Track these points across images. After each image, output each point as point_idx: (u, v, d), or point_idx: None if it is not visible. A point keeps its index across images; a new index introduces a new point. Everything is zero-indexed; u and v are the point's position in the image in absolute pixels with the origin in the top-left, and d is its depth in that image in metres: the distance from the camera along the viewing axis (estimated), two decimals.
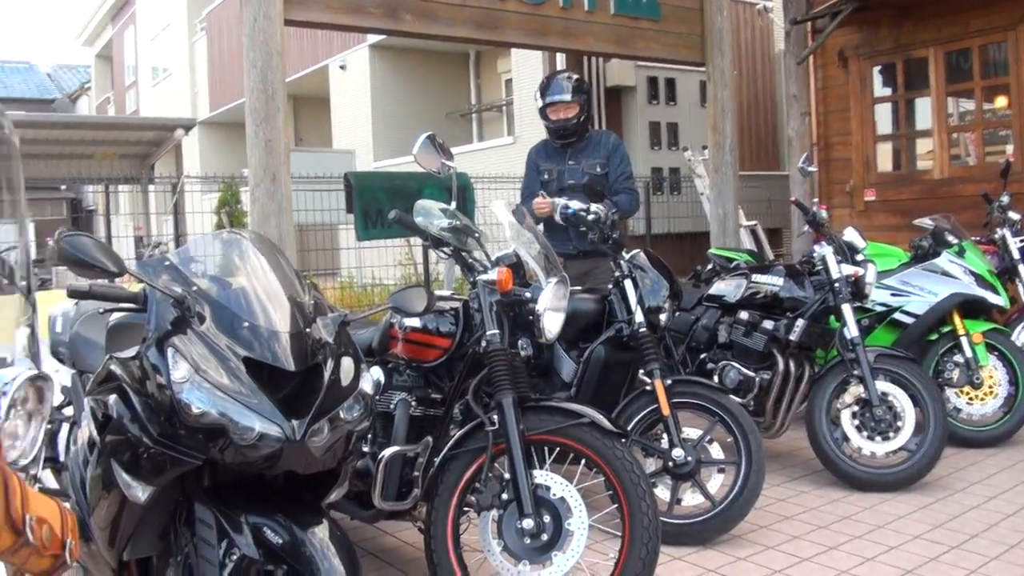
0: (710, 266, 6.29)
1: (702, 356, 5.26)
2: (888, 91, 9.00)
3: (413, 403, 3.47)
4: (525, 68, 12.29)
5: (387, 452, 3.25)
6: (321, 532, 2.28)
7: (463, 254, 3.40)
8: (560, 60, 9.50)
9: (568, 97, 5.49)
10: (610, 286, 4.42)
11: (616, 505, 3.13)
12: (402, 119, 15.49)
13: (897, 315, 5.74)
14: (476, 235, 3.46)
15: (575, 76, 5.68)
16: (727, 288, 5.30)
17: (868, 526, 4.19)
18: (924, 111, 8.71)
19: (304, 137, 19.86)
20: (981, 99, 8.47)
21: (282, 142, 5.40)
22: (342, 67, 16.66)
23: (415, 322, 3.48)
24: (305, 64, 17.51)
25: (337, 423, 2.26)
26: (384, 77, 15.86)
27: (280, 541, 2.23)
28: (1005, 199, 6.46)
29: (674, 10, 7.55)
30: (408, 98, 15.89)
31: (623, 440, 3.22)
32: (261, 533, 2.22)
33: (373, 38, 14.82)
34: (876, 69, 8.82)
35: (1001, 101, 8.51)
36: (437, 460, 3.27)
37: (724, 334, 5.17)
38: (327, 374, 2.30)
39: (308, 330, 2.34)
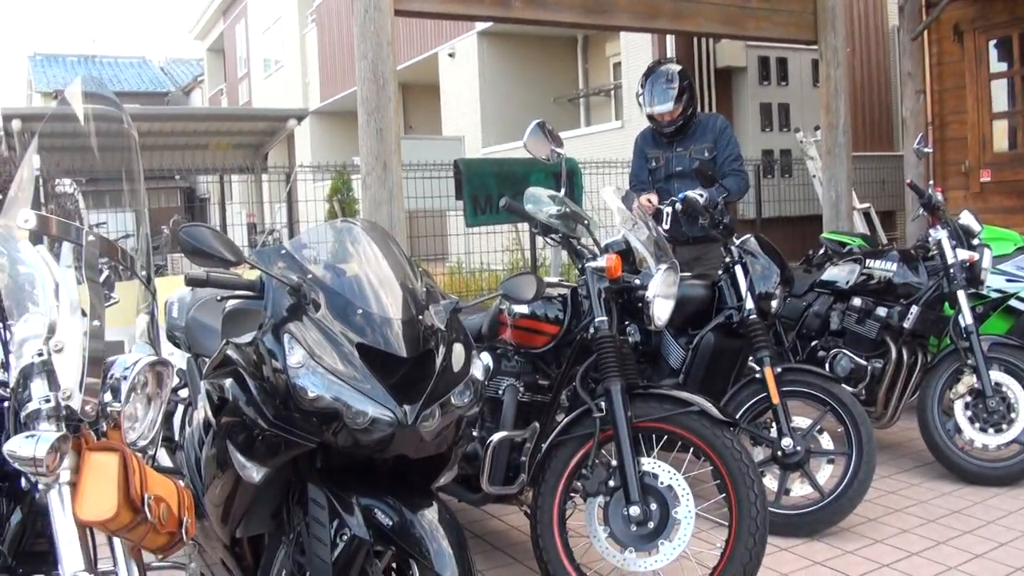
0: (822, 251, 6.21)
1: (813, 343, 5.19)
2: (1005, 66, 8.66)
3: (521, 389, 3.52)
4: (634, 51, 12.21)
5: (495, 437, 3.31)
6: (430, 514, 2.33)
7: (572, 241, 3.43)
8: (670, 42, 9.42)
9: (670, 106, 5.41)
10: (720, 272, 4.39)
11: (724, 494, 3.13)
12: (510, 105, 15.54)
13: (1013, 302, 5.55)
14: (585, 222, 3.48)
15: (674, 71, 5.54)
16: (840, 274, 5.22)
17: (978, 521, 4.10)
18: None
19: (413, 125, 20.09)
20: None
21: (393, 131, 5.50)
22: (451, 55, 16.79)
23: (524, 308, 3.53)
24: (414, 52, 17.71)
25: (448, 408, 2.31)
26: (492, 64, 15.93)
27: (390, 523, 2.28)
28: None
29: None
30: (516, 84, 15.93)
31: (732, 429, 3.21)
32: (372, 514, 2.27)
33: (481, 25, 14.88)
34: (992, 43, 8.49)
35: None
36: (544, 446, 3.32)
37: (836, 321, 5.11)
38: (439, 360, 2.35)
39: (420, 317, 2.40)
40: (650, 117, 5.55)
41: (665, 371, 4.45)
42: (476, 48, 15.94)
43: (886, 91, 12.10)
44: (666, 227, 4.84)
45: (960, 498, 4.41)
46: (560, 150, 3.66)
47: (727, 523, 3.11)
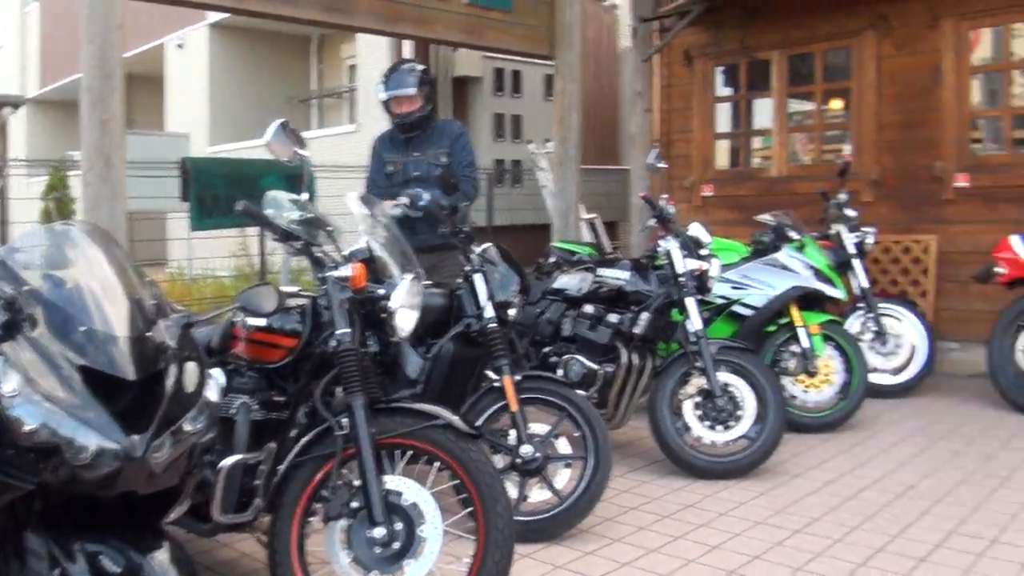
0: (552, 259, 6.36)
1: (546, 350, 5.26)
2: (730, 91, 9.25)
3: (255, 407, 3.27)
4: (371, 54, 12.11)
5: (228, 461, 3.06)
6: (161, 555, 2.15)
7: (312, 248, 3.26)
8: (408, 47, 9.38)
9: (412, 91, 5.37)
10: (459, 280, 4.35)
11: (470, 508, 3.08)
12: (240, 103, 15.02)
13: (736, 307, 5.92)
14: (329, 228, 3.33)
15: (419, 67, 5.55)
16: (572, 281, 5.34)
17: (712, 514, 4.30)
18: (764, 111, 9.00)
19: (135, 119, 19.03)
20: (821, 102, 8.81)
21: (118, 123, 5.11)
22: (179, 46, 16.03)
23: (259, 321, 3.31)
24: (140, 41, 16.73)
25: (180, 436, 2.12)
26: (223, 58, 15.33)
27: (118, 569, 2.08)
28: (843, 197, 6.80)
29: (525, 2, 7.58)
30: (247, 81, 15.42)
31: (477, 440, 3.16)
32: (97, 561, 2.07)
33: (214, 16, 14.28)
34: (720, 69, 9.04)
35: (836, 104, 8.88)
36: (282, 468, 3.13)
37: (568, 327, 5.21)
38: (169, 382, 2.16)
39: (149, 333, 2.19)
40: (389, 108, 5.48)
41: (403, 382, 4.33)
42: (207, 40, 15.31)
43: (613, 108, 12.62)
44: (412, 213, 4.76)
45: (692, 492, 4.61)
46: (303, 152, 3.48)
47: (474, 537, 3.06)
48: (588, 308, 5.17)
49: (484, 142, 10.56)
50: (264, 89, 15.39)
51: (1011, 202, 7.18)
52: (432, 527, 3.02)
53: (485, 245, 4.48)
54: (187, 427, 2.15)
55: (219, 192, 6.62)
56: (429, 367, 4.25)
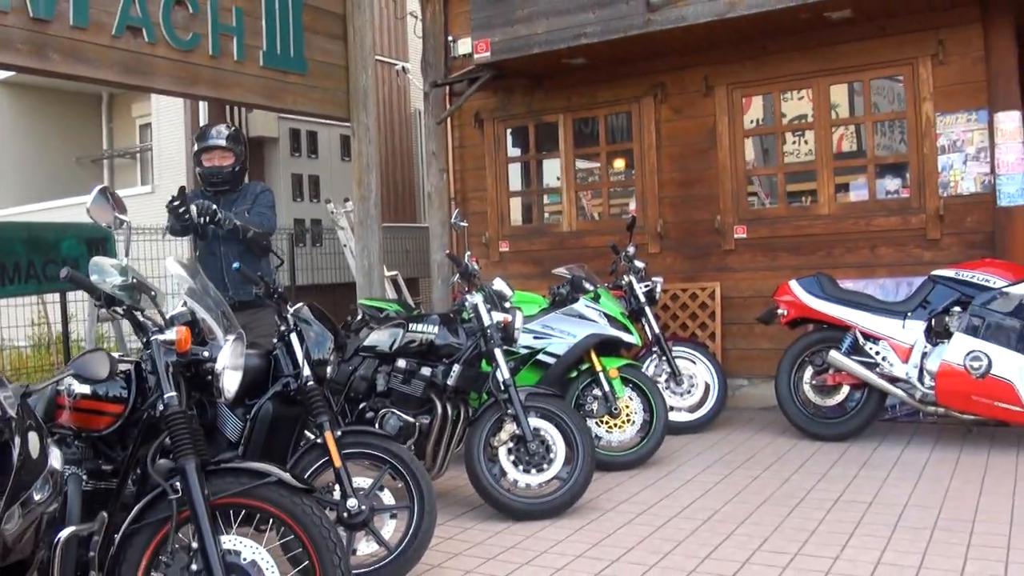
0: (360, 317, 6.45)
1: (361, 406, 5.35)
2: (521, 151, 9.66)
3: (84, 477, 3.22)
4: (166, 114, 11.84)
5: (62, 533, 2.97)
6: None
7: (135, 313, 3.25)
8: (203, 108, 9.32)
9: (224, 143, 5.50)
10: (275, 340, 4.39)
11: (307, 562, 3.13)
12: (29, 163, 14.31)
13: (540, 356, 6.19)
14: (152, 293, 3.33)
15: (234, 127, 5.67)
16: (383, 338, 5.46)
17: (533, 552, 4.48)
18: (554, 170, 9.45)
19: None
20: (606, 161, 9.35)
21: None
22: None
23: (85, 388, 3.26)
24: None
25: (30, 507, 2.11)
26: (10, 116, 14.59)
27: None
28: (631, 250, 7.25)
29: (320, 66, 7.72)
30: (35, 140, 14.72)
31: (309, 495, 3.22)
32: None
33: (1, 74, 13.60)
34: (510, 131, 9.43)
35: (620, 164, 9.43)
36: (117, 536, 3.09)
37: (382, 383, 5.31)
38: (16, 453, 2.14)
39: None
40: (200, 162, 5.56)
41: (222, 444, 4.30)
42: None
43: (409, 167, 12.87)
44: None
45: (513, 534, 4.78)
46: (124, 217, 3.48)
47: None
48: (401, 363, 5.30)
49: (283, 202, 10.53)
50: (53, 148, 14.73)
51: (787, 250, 7.86)
52: None
53: (299, 305, 4.54)
54: (36, 496, 2.14)
55: (19, 257, 6.33)
56: (249, 428, 4.24)
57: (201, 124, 9.83)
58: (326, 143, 11.25)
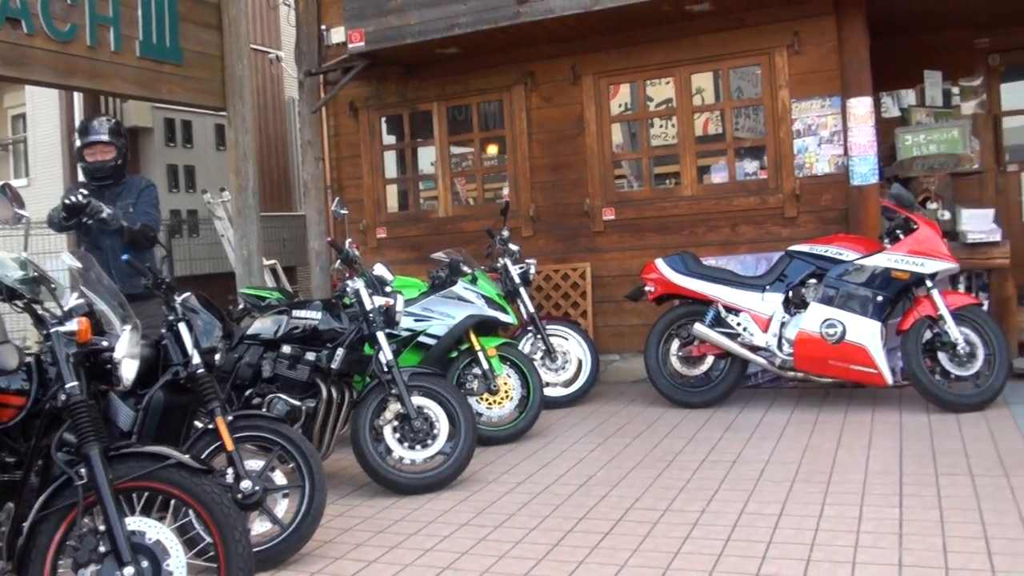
0: (242, 306, 6.55)
1: (247, 392, 5.46)
2: (396, 139, 9.81)
3: None
4: (41, 105, 11.53)
5: None
6: None
7: (35, 306, 3.34)
8: (78, 98, 9.17)
9: (106, 137, 5.53)
10: (163, 330, 4.48)
11: (210, 539, 3.28)
12: None
13: (421, 338, 6.40)
14: (53, 286, 3.42)
15: (115, 120, 5.69)
16: (267, 325, 5.56)
17: (421, 523, 4.70)
18: (429, 157, 9.63)
19: None
20: (479, 148, 9.58)
21: None
22: None
23: None
24: None
25: None
26: None
27: None
28: (506, 233, 7.54)
29: (196, 56, 7.73)
30: None
31: (209, 476, 3.37)
32: None
33: None
34: (384, 119, 9.56)
35: (493, 150, 9.67)
36: (26, 525, 3.18)
37: (268, 369, 5.41)
38: None
39: None
40: (82, 157, 5.60)
41: (115, 434, 4.38)
42: None
43: (284, 156, 12.86)
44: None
45: (400, 508, 4.99)
46: (24, 212, 3.54)
47: (216, 565, 3.26)
48: (286, 348, 5.43)
49: (159, 193, 10.43)
50: None
51: (653, 231, 8.25)
52: (177, 561, 3.21)
53: (186, 294, 4.63)
54: None
55: None
56: (141, 417, 4.33)
57: (76, 115, 9.69)
58: (201, 133, 11.17)
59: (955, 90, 8.70)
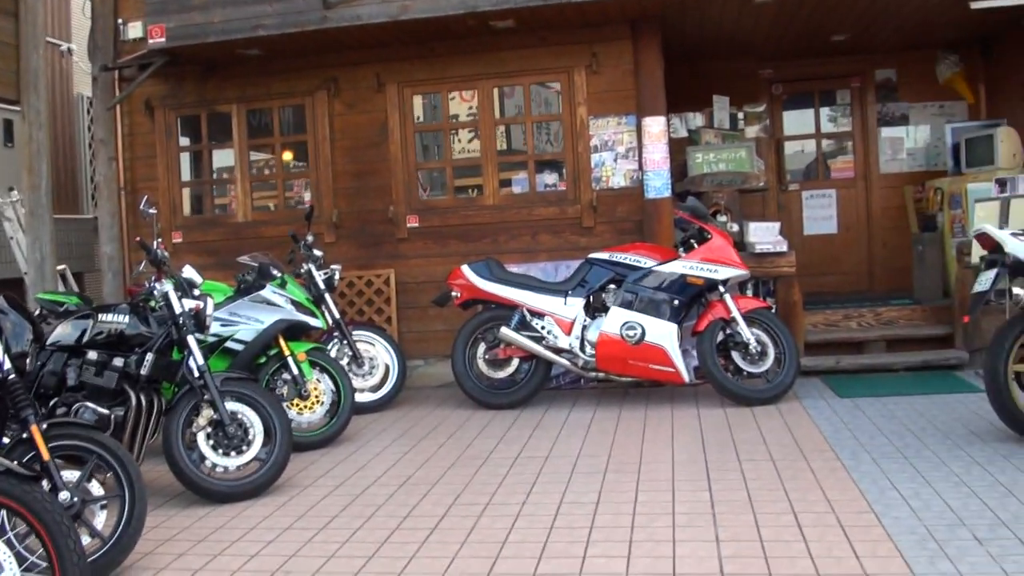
0: (38, 311, 6.27)
1: (52, 401, 5.25)
2: (193, 140, 9.57)
3: None
4: None
5: None
6: None
7: None
8: None
9: None
10: None
11: (42, 549, 3.18)
12: None
13: (229, 343, 6.32)
14: None
15: None
16: (70, 331, 5.36)
17: (242, 530, 4.68)
18: (228, 160, 9.45)
19: None
20: (280, 153, 9.48)
21: None
22: None
23: None
24: None
25: None
26: None
27: None
28: (310, 238, 7.54)
29: None
30: None
31: (38, 483, 3.27)
32: None
33: None
34: (181, 119, 9.31)
35: (288, 155, 9.61)
36: None
37: (73, 376, 5.22)
38: None
39: None
40: None
41: None
42: None
43: (72, 155, 12.22)
44: None
45: (219, 516, 4.94)
46: None
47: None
48: (92, 354, 5.24)
49: None
50: None
51: (456, 238, 8.45)
52: (11, 573, 3.09)
53: None
54: None
55: None
56: None
57: None
58: None
59: (740, 114, 9.36)
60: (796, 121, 10.62)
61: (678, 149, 8.67)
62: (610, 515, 4.46)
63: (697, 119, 9.06)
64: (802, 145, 10.74)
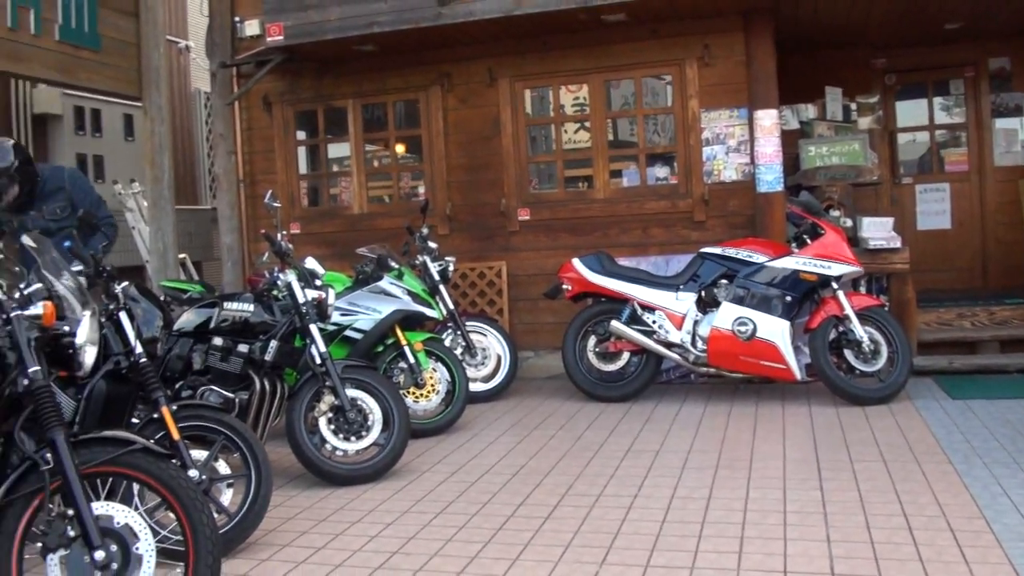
0: (163, 299, 6.51)
1: (178, 384, 5.48)
2: (310, 135, 9.83)
3: None
4: None
5: None
6: None
7: None
8: None
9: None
10: (103, 319, 4.48)
11: (178, 522, 3.34)
12: None
13: (348, 332, 6.49)
14: (16, 270, 3.42)
15: (11, 143, 5.55)
16: (195, 318, 5.58)
17: (362, 512, 4.83)
18: (343, 154, 9.68)
19: None
20: (394, 146, 9.68)
21: None
22: None
23: None
24: None
25: None
26: None
27: None
28: (425, 231, 7.67)
29: (113, 43, 7.72)
30: None
31: (172, 461, 3.43)
32: None
33: None
34: (298, 114, 9.57)
35: (401, 148, 9.79)
36: None
37: (199, 361, 5.43)
38: None
39: None
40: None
41: None
42: None
43: (190, 148, 12.68)
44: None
45: (339, 498, 5.10)
46: None
47: (184, 549, 3.32)
48: (218, 340, 5.46)
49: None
50: None
51: (567, 231, 8.51)
52: (146, 544, 3.24)
53: (125, 283, 4.65)
54: None
55: None
56: (83, 407, 4.33)
57: None
58: (110, 122, 10.89)
59: (853, 106, 9.19)
60: (909, 112, 10.39)
61: (790, 141, 8.56)
62: (721, 511, 4.47)
63: (809, 111, 8.93)
64: (915, 137, 10.48)
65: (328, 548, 4.31)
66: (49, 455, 3.17)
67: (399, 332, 6.56)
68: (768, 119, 7.74)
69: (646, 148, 8.74)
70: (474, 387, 7.45)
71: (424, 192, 9.21)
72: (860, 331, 6.60)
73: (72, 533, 3.15)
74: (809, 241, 6.89)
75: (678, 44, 8.14)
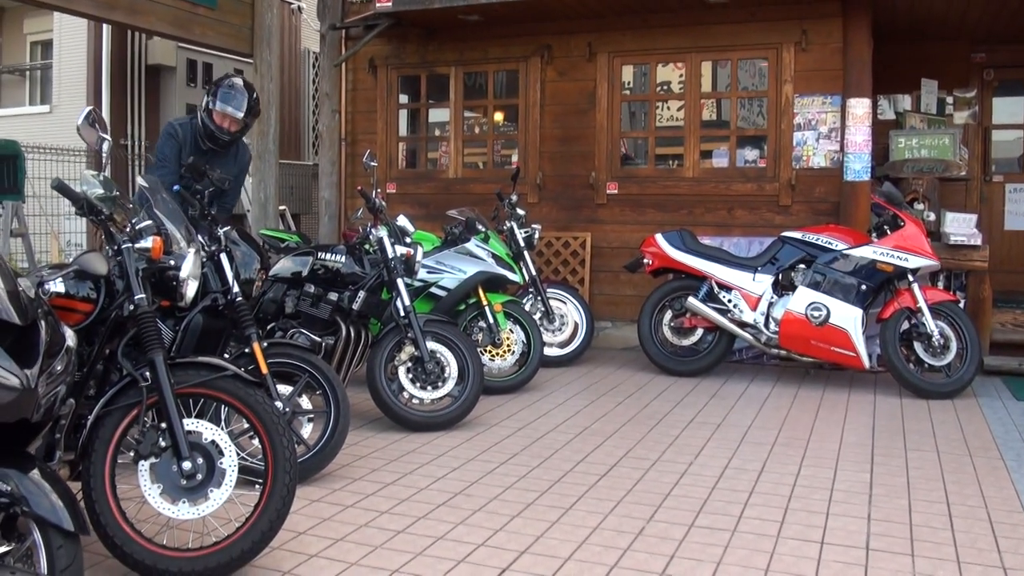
0: (262, 244, 6.89)
1: (270, 326, 5.84)
2: (411, 99, 10.14)
3: None
4: (68, 34, 11.63)
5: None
6: (36, 475, 2.56)
7: (109, 223, 3.66)
8: (106, 32, 9.40)
9: (241, 115, 5.69)
10: (205, 259, 4.82)
11: (260, 444, 3.65)
12: None
13: (433, 289, 6.79)
14: (130, 206, 3.77)
15: (256, 94, 5.85)
16: (292, 265, 5.93)
17: (431, 455, 5.13)
18: (442, 118, 9.98)
19: None
20: (492, 114, 9.94)
21: None
22: None
23: (59, 287, 3.68)
24: None
25: (53, 376, 2.54)
26: None
27: (7, 487, 2.48)
28: (514, 198, 7.90)
29: (228, 1, 8.03)
30: None
31: (260, 388, 3.74)
32: None
33: None
34: (402, 78, 9.89)
35: (498, 116, 10.03)
36: (91, 418, 3.49)
37: (291, 305, 5.79)
38: (43, 329, 2.58)
39: (21, 289, 2.62)
40: (211, 117, 5.71)
41: None
42: None
43: (296, 106, 13.12)
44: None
45: (411, 442, 5.41)
46: (106, 136, 3.88)
47: (263, 466, 3.64)
48: (310, 287, 5.81)
49: None
50: None
51: (653, 207, 8.67)
52: (229, 460, 3.57)
53: (227, 227, 4.98)
54: (58, 367, 2.60)
55: None
56: (180, 337, 4.70)
57: (104, 46, 9.91)
58: (221, 74, 11.34)
59: (949, 99, 9.13)
60: (1006, 109, 10.22)
61: (882, 131, 8.55)
62: (771, 483, 4.63)
63: (904, 101, 8.89)
64: (1011, 135, 10.31)
65: (395, 485, 4.62)
66: (148, 373, 3.49)
67: (481, 293, 6.83)
68: (861, 107, 7.75)
69: (737, 130, 8.82)
70: (550, 351, 7.70)
71: (516, 160, 9.45)
72: (931, 325, 6.64)
73: (163, 444, 3.47)
74: (889, 232, 6.93)
75: (776, 28, 8.19)
